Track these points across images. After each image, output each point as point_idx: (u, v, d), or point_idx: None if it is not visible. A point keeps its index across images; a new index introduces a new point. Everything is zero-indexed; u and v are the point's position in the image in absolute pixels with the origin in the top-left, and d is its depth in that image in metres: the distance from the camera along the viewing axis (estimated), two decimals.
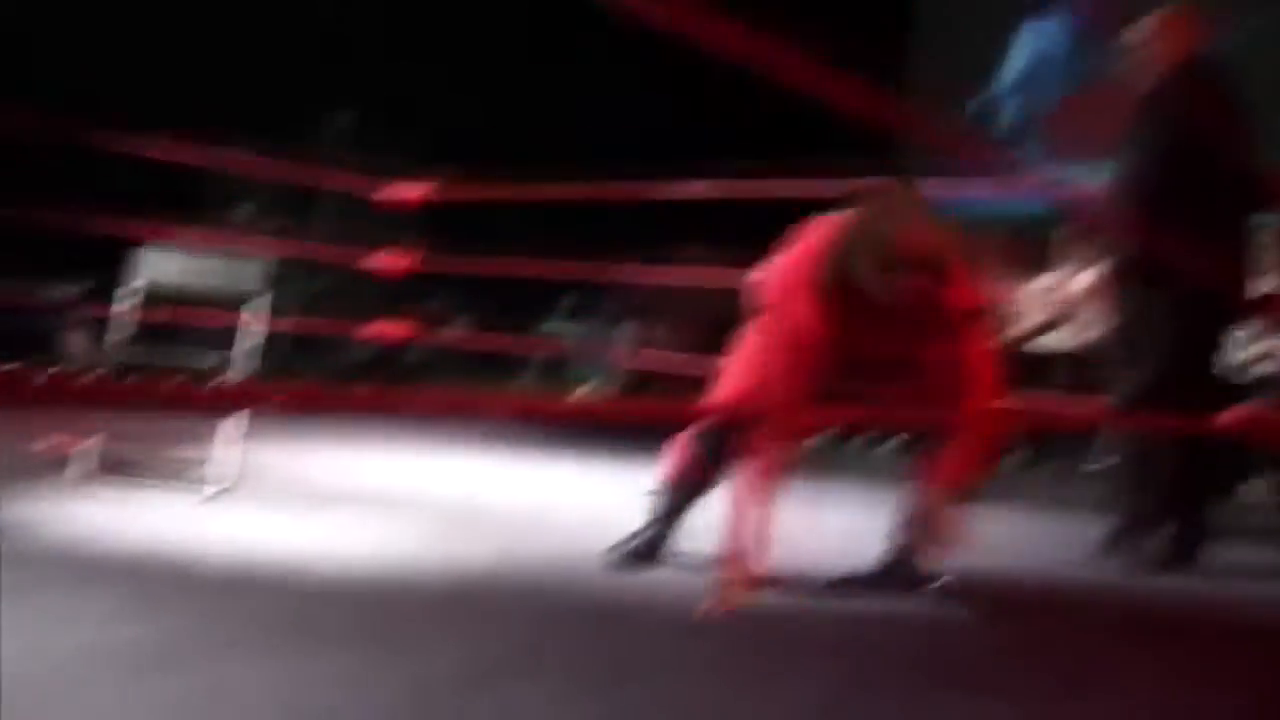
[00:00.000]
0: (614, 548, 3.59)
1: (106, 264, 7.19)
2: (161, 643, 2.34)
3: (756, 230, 8.31)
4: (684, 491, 3.65)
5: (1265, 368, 6.61)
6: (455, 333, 9.96)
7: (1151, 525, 4.22)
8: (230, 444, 4.21)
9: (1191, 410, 3.99)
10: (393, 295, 8.73)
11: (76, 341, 7.79)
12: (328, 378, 8.70)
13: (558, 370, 9.63)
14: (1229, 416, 4.28)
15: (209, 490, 4.03)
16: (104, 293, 7.34)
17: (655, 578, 3.44)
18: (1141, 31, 4.43)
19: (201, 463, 4.28)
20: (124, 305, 4.48)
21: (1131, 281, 4.27)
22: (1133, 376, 4.22)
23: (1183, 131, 4.16)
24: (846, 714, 2.32)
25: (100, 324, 7.62)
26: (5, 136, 6.18)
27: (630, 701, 2.27)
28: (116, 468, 4.17)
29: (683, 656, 2.64)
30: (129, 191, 7.26)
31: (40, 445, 4.32)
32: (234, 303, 4.62)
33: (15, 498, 3.69)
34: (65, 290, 8.51)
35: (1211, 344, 4.33)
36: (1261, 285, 6.15)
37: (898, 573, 3.60)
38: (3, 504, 3.56)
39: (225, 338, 5.99)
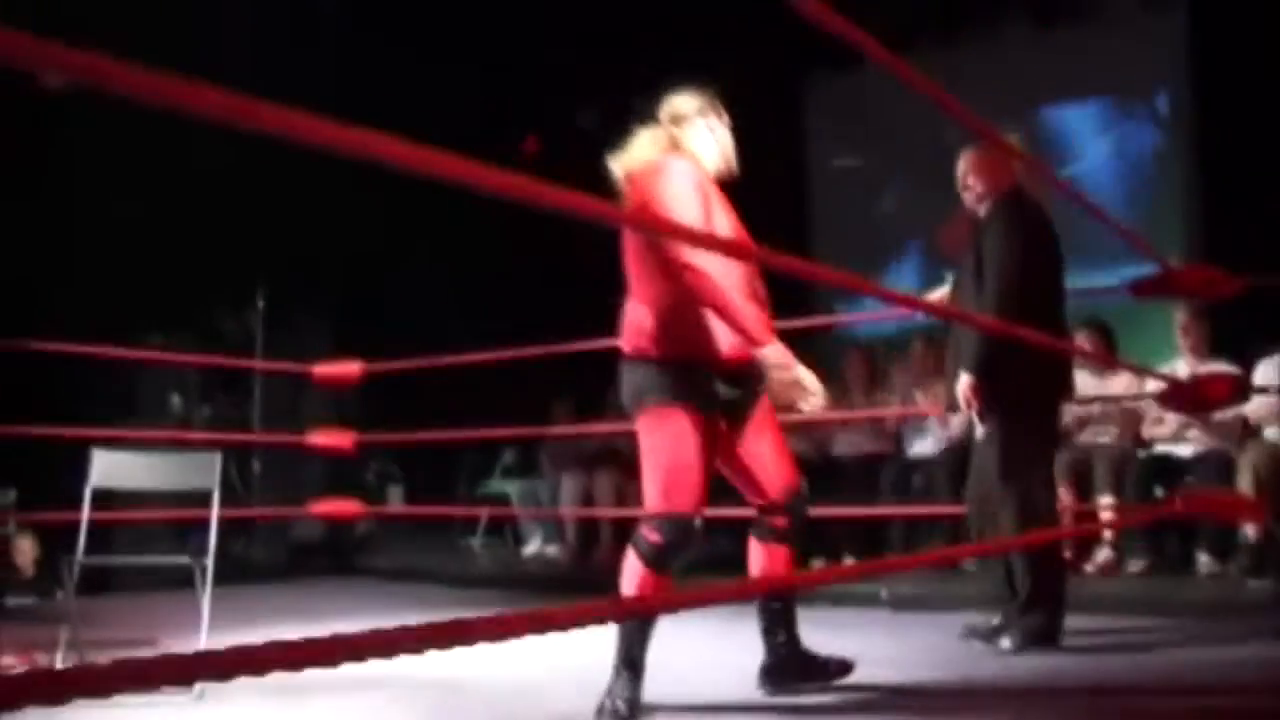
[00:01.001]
0: (599, 714, 3.60)
1: (42, 468, 7.18)
2: None
3: None
4: (638, 626, 3.73)
5: (1191, 449, 6.87)
6: (399, 504, 9.96)
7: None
8: (200, 642, 4.21)
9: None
10: (333, 469, 8.78)
11: (24, 549, 7.67)
12: (278, 558, 8.66)
13: (503, 529, 9.63)
14: (1179, 499, 4.74)
15: (190, 693, 4.02)
16: (40, 498, 7.32)
17: None
18: (963, 165, 5.01)
19: None
20: (81, 509, 4.47)
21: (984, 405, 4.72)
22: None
23: (1023, 248, 4.75)
24: None
25: (40, 529, 7.57)
26: None
27: None
28: None
29: None
30: (61, 394, 7.27)
31: (8, 660, 4.29)
32: (188, 498, 4.66)
33: None
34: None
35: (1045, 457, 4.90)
36: (1179, 370, 6.51)
37: (789, 667, 3.91)
38: None
39: (175, 532, 6.00)
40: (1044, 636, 4.66)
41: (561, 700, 3.97)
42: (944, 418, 6.97)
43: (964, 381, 4.67)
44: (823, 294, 10.06)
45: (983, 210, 4.93)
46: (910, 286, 7.02)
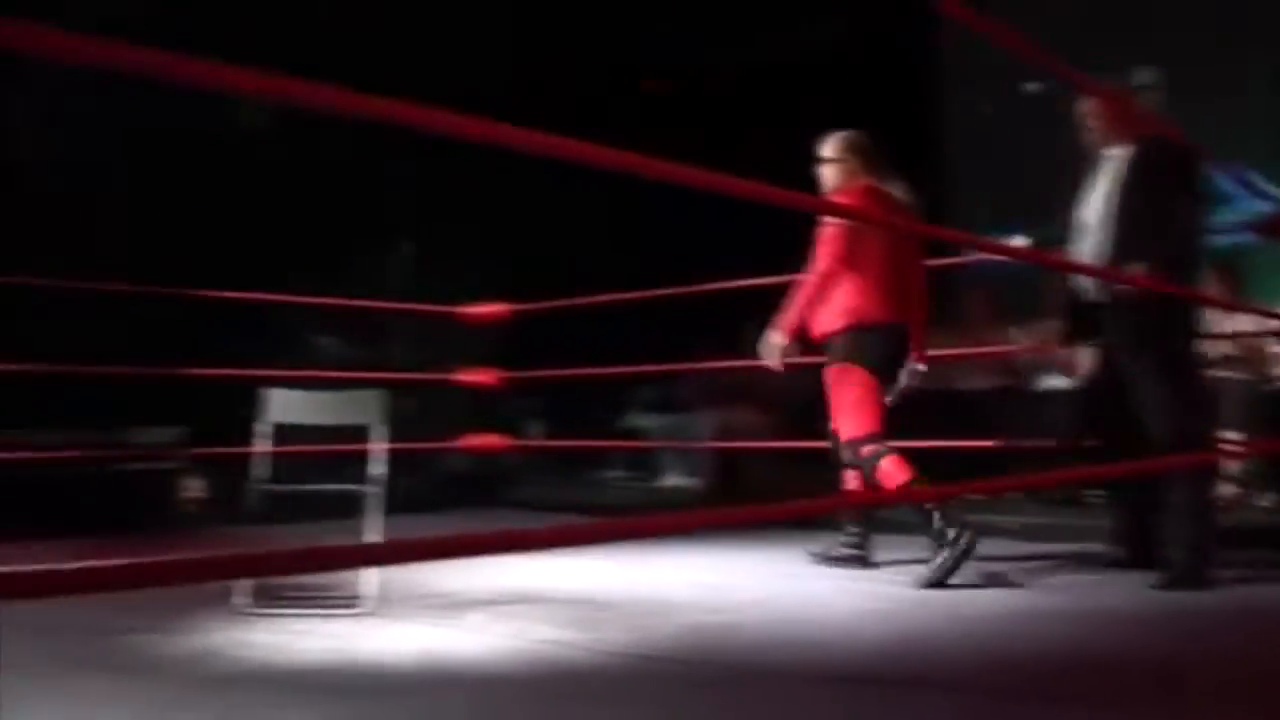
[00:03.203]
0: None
1: (206, 408, 7.65)
2: None
3: None
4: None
5: None
6: (540, 438, 10.32)
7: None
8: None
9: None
10: (477, 406, 9.16)
11: (193, 485, 8.17)
12: (428, 491, 9.06)
13: (643, 463, 9.97)
14: None
15: (361, 607, 4.40)
16: (201, 436, 7.81)
17: (779, 635, 3.79)
18: (1087, 106, 5.03)
19: (345, 584, 4.69)
20: (258, 443, 4.85)
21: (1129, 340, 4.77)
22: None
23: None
24: None
25: (203, 465, 8.07)
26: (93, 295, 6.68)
27: None
28: (270, 595, 4.53)
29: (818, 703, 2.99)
30: (221, 339, 7.71)
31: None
32: (353, 432, 5.04)
33: (192, 629, 4.08)
34: (164, 434, 8.84)
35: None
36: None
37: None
38: (185, 634, 3.96)
39: (342, 465, 6.42)
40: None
41: (691, 614, 4.30)
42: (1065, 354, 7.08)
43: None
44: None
45: (1113, 152, 4.96)
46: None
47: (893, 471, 4.97)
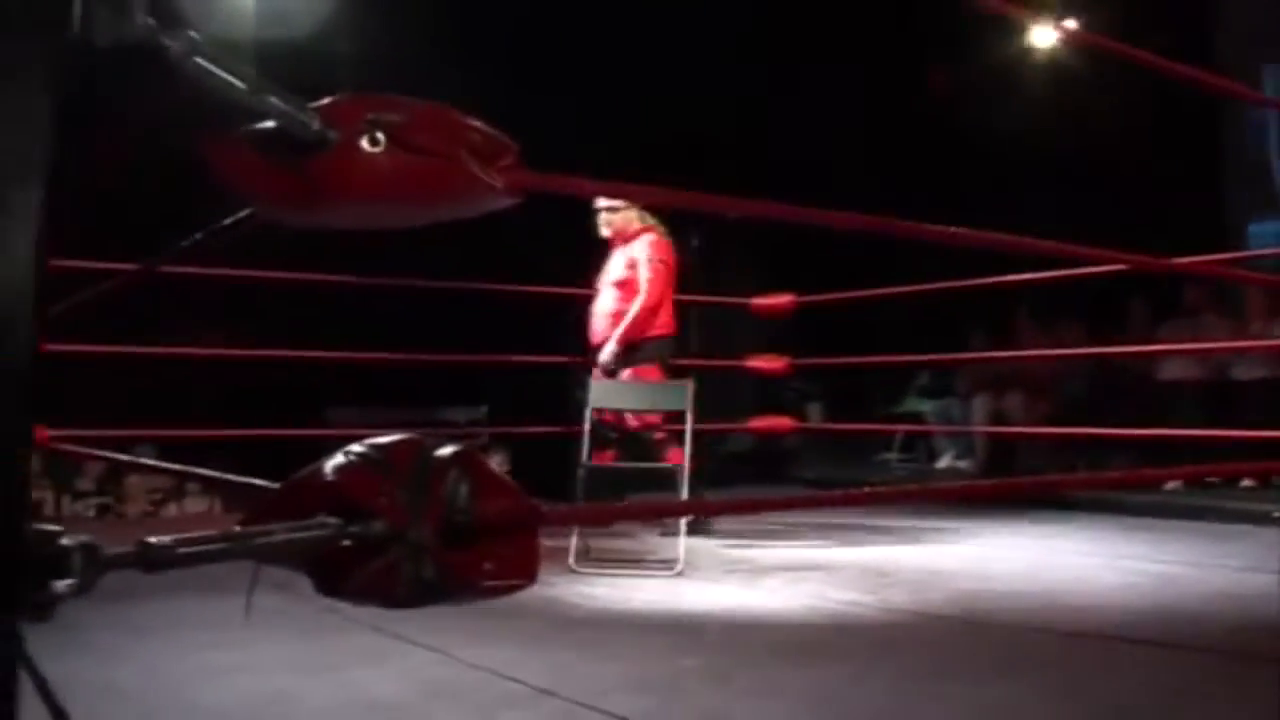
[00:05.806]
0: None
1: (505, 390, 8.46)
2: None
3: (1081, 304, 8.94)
4: None
5: None
6: (818, 420, 10.84)
7: None
8: (676, 533, 5.31)
9: None
10: (757, 389, 9.74)
11: (497, 460, 8.98)
12: (713, 468, 9.68)
13: (919, 446, 10.41)
14: None
15: (675, 568, 5.06)
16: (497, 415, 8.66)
17: (1045, 601, 4.28)
18: None
19: (656, 550, 5.37)
20: (585, 424, 5.58)
21: None
22: None
23: None
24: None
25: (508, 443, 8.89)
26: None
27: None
28: (595, 558, 5.23)
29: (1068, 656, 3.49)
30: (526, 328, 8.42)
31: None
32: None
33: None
34: (471, 413, 9.70)
35: None
36: None
37: None
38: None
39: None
40: None
41: (964, 581, 4.86)
42: None
43: None
44: (1233, 221, 10.31)
45: None
46: None
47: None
